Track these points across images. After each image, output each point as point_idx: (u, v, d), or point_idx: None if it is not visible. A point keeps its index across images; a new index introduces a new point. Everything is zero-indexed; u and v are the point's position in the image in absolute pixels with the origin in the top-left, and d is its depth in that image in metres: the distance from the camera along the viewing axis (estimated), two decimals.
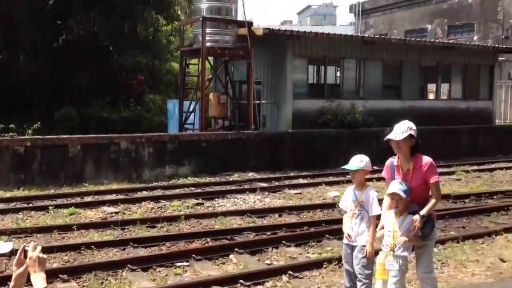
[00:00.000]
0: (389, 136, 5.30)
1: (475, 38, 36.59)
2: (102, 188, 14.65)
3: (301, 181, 16.39)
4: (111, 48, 25.00)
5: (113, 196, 13.48)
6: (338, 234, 8.39)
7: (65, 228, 10.10)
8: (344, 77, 21.67)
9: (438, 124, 22.18)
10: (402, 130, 5.24)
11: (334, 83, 23.61)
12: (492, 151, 23.01)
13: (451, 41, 29.77)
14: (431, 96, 25.95)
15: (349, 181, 5.90)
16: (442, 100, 24.97)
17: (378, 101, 21.76)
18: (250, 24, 19.30)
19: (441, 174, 16.84)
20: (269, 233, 9.98)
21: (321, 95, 20.96)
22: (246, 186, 15.11)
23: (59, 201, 12.69)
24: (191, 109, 20.14)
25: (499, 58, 28.55)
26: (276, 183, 15.69)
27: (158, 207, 12.29)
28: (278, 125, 20.13)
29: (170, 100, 23.47)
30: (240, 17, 20.12)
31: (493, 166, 19.77)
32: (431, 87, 25.82)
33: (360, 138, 19.44)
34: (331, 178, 16.49)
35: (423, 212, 5.20)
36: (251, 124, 19.08)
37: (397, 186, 5.24)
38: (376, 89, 22.36)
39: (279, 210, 11.91)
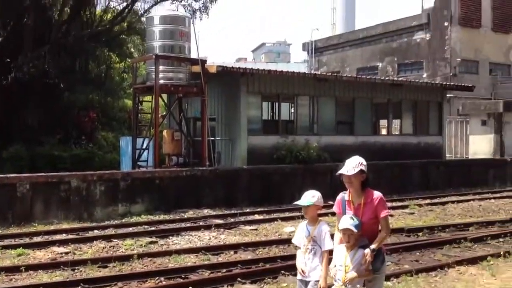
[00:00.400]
0: (341, 171, 5.35)
1: (424, 75, 37.67)
2: (51, 227, 14.24)
3: (256, 217, 16.30)
4: (62, 85, 24.69)
5: (63, 236, 13.11)
6: (293, 270, 8.31)
7: (13, 270, 9.73)
8: (298, 113, 21.87)
9: (391, 159, 22.58)
10: (353, 165, 5.31)
11: (288, 119, 23.85)
12: (443, 185, 23.51)
13: (401, 78, 30.58)
14: (384, 131, 26.43)
15: (304, 217, 5.87)
16: (394, 135, 25.45)
17: (332, 137, 22.03)
18: (203, 61, 19.40)
19: (394, 208, 17.16)
20: (224, 270, 9.83)
21: (276, 131, 21.10)
22: (201, 223, 14.94)
23: (6, 242, 12.26)
24: (144, 146, 19.95)
25: (448, 95, 29.42)
26: (232, 220, 15.58)
27: (110, 247, 11.99)
28: (233, 162, 20.09)
29: (123, 137, 23.21)
30: (194, 54, 20.22)
31: (445, 199, 20.14)
32: (383, 123, 26.32)
33: (315, 173, 19.56)
34: (286, 214, 16.47)
35: (373, 246, 5.22)
36: (205, 161, 18.99)
37: (348, 221, 5.26)
38: (330, 125, 22.65)
39: (235, 247, 11.78)
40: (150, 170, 18.41)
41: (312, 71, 41.28)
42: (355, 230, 5.20)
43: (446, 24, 37.19)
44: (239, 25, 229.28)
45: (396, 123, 26.28)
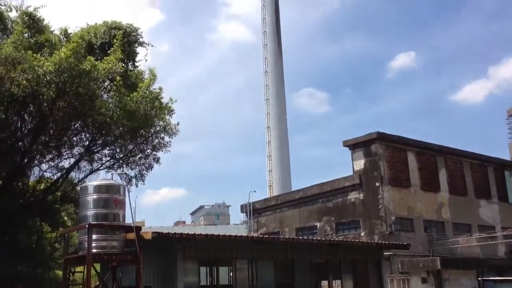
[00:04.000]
0: None
1: (362, 234, 38.09)
2: None
3: None
4: None
5: None
6: None
7: None
8: (237, 277, 21.40)
9: None
10: None
11: (227, 283, 23.16)
12: None
13: (340, 237, 30.82)
14: None
15: None
16: None
17: None
18: (138, 228, 18.98)
19: None
20: None
21: None
22: None
23: None
24: None
25: (388, 253, 29.63)
26: None
27: None
28: None
29: None
30: (130, 220, 19.84)
31: None
32: (325, 283, 25.94)
33: None
34: None
35: None
36: None
37: None
38: (270, 287, 22.11)
39: None
40: None
41: (251, 233, 41.25)
42: None
43: (377, 184, 38.47)
44: (178, 188, 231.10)
45: (338, 283, 25.94)
